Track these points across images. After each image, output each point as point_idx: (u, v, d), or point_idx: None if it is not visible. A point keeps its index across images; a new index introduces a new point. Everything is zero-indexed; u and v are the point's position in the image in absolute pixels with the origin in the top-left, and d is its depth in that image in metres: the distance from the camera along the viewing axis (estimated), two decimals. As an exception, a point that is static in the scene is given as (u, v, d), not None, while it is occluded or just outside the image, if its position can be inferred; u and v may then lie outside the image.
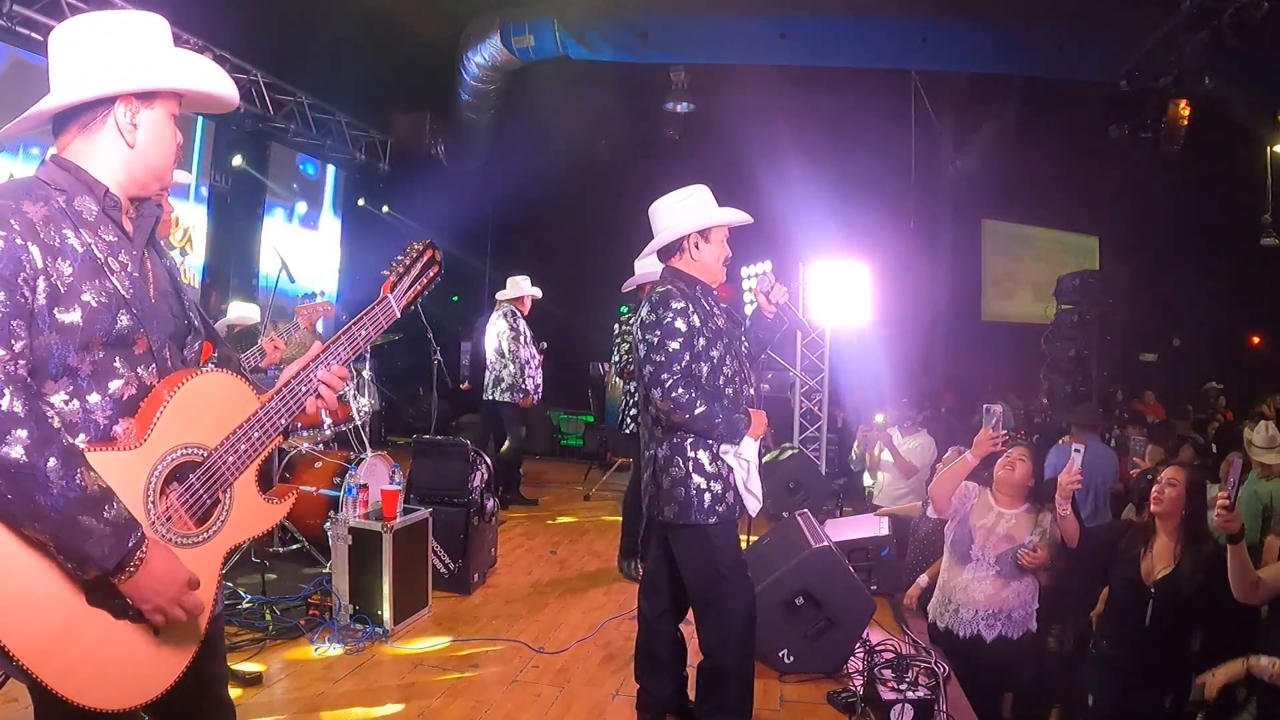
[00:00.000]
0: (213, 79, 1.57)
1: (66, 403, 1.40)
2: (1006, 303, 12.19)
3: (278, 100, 8.21)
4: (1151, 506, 3.21)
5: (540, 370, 6.92)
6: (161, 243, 1.70)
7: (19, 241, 1.32)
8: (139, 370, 1.48)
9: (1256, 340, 12.25)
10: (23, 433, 1.25)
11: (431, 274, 1.87)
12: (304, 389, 1.65)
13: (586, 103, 9.03)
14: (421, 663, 3.64)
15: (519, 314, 6.78)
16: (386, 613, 3.87)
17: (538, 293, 6.94)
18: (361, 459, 4.64)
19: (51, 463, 1.27)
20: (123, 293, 1.44)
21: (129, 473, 1.41)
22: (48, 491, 1.26)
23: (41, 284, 1.34)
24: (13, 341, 1.29)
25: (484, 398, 6.87)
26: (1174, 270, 10.64)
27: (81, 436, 1.40)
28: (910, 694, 3.17)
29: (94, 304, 1.40)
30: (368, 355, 6.32)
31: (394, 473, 4.60)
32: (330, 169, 9.60)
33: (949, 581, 3.52)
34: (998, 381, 9.66)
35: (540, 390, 6.94)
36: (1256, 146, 8.84)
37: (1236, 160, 9.28)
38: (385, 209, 10.55)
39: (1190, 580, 3.03)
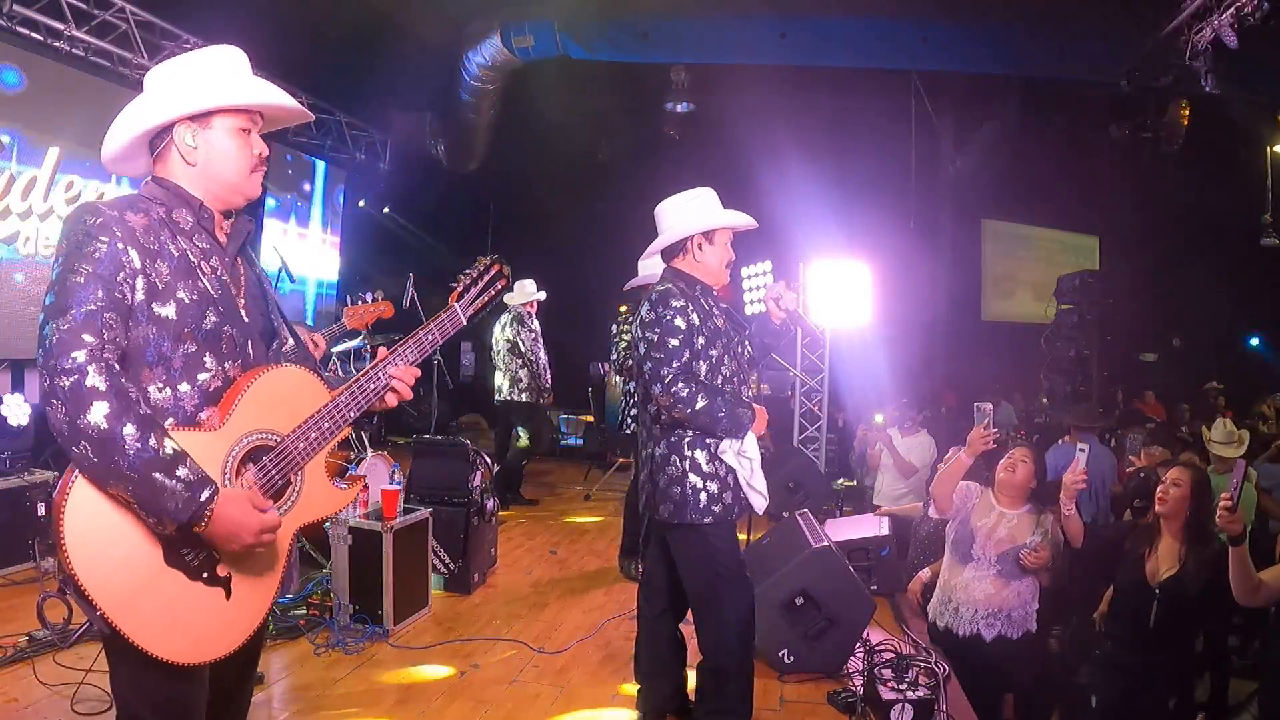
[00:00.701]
0: (260, 94, 1.73)
1: (160, 390, 1.59)
2: (1006, 303, 12.18)
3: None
4: (1156, 507, 3.21)
5: (548, 371, 7.03)
6: (253, 255, 1.88)
7: (119, 245, 1.54)
8: (225, 365, 1.66)
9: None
10: (104, 404, 1.44)
11: (499, 287, 2.05)
12: (373, 386, 1.81)
13: (586, 103, 9.02)
14: (421, 662, 3.64)
15: (531, 315, 6.90)
16: (387, 612, 3.87)
17: (542, 296, 7.01)
18: (361, 459, 4.64)
19: (129, 429, 1.45)
20: (212, 293, 1.65)
21: (209, 452, 1.58)
22: (125, 454, 1.44)
23: (140, 282, 1.56)
24: (104, 330, 1.49)
25: (497, 399, 6.96)
26: (1174, 270, 10.63)
27: (170, 421, 1.58)
28: (910, 694, 3.17)
29: (186, 301, 1.60)
30: (368, 356, 6.33)
31: (394, 473, 4.60)
32: (320, 165, 9.51)
33: (949, 581, 3.52)
34: (997, 381, 9.65)
35: (548, 392, 7.06)
36: (1256, 146, 8.83)
37: (1236, 160, 9.27)
38: (386, 210, 10.55)
39: (1195, 581, 3.02)
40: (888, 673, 3.35)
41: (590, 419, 10.04)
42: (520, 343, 6.80)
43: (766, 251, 7.10)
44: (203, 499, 1.50)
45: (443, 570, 4.54)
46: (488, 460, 5.06)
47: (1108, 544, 3.39)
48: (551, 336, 7.61)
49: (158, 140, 1.70)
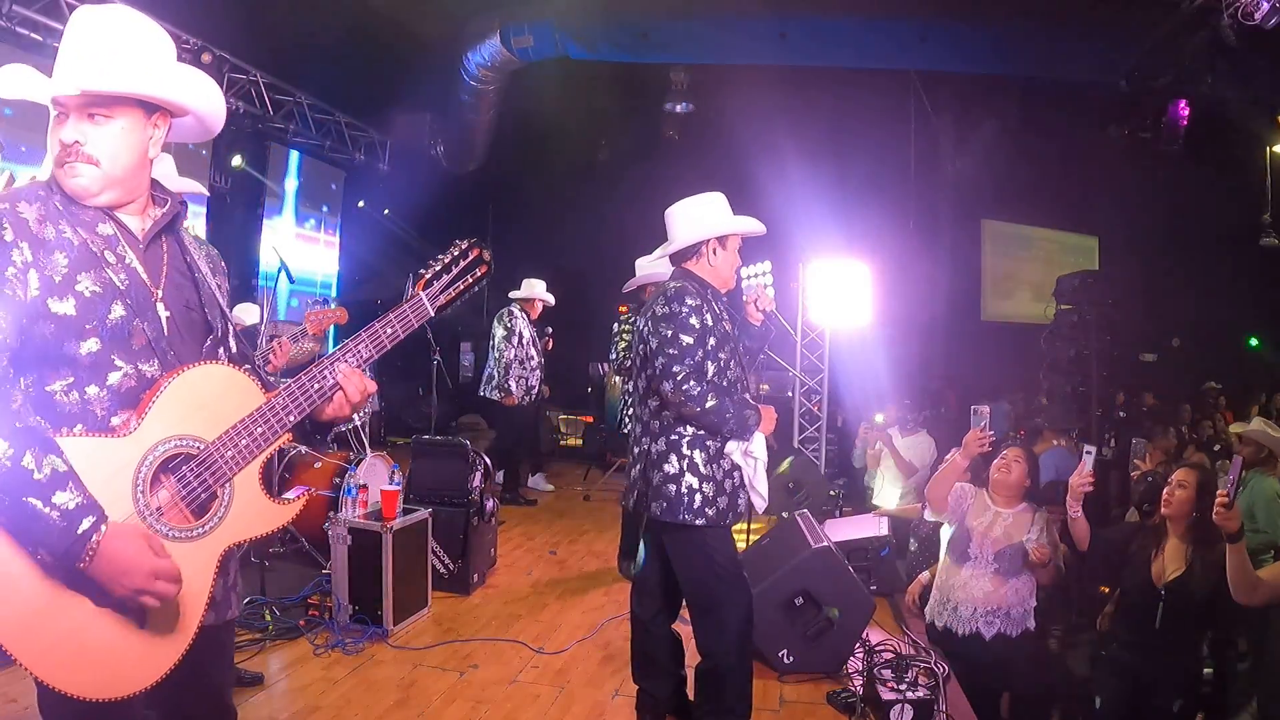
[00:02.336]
0: (171, 88, 1.50)
1: (66, 393, 1.43)
2: (1006, 303, 12.17)
3: (277, 100, 8.21)
4: (1162, 509, 3.21)
5: (537, 372, 6.92)
6: (188, 238, 1.68)
7: (9, 238, 1.38)
8: (139, 364, 1.49)
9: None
10: None
11: (477, 274, 1.77)
12: (316, 386, 1.58)
13: (586, 103, 9.02)
14: (421, 663, 3.64)
15: (521, 315, 6.84)
16: (386, 613, 3.87)
17: (550, 299, 7.01)
18: (361, 459, 4.64)
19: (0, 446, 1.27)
20: (117, 284, 1.47)
21: (117, 459, 1.40)
22: None
23: (33, 277, 1.39)
24: None
25: (481, 393, 6.99)
26: (1174, 270, 10.62)
27: (80, 427, 1.42)
28: (910, 694, 3.17)
29: (87, 294, 1.43)
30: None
31: (393, 473, 4.60)
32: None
33: (947, 581, 3.52)
34: (997, 381, 9.65)
35: (534, 392, 6.94)
36: (1256, 146, 8.83)
37: (1236, 160, 9.27)
38: (385, 211, 10.54)
39: (1202, 582, 3.01)
40: (887, 673, 3.35)
41: (590, 419, 10.04)
42: (492, 337, 6.80)
43: (766, 251, 7.09)
44: (80, 531, 1.30)
45: (443, 570, 4.54)
46: (487, 461, 5.06)
47: (1111, 545, 3.39)
48: (551, 336, 7.60)
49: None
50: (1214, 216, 9.93)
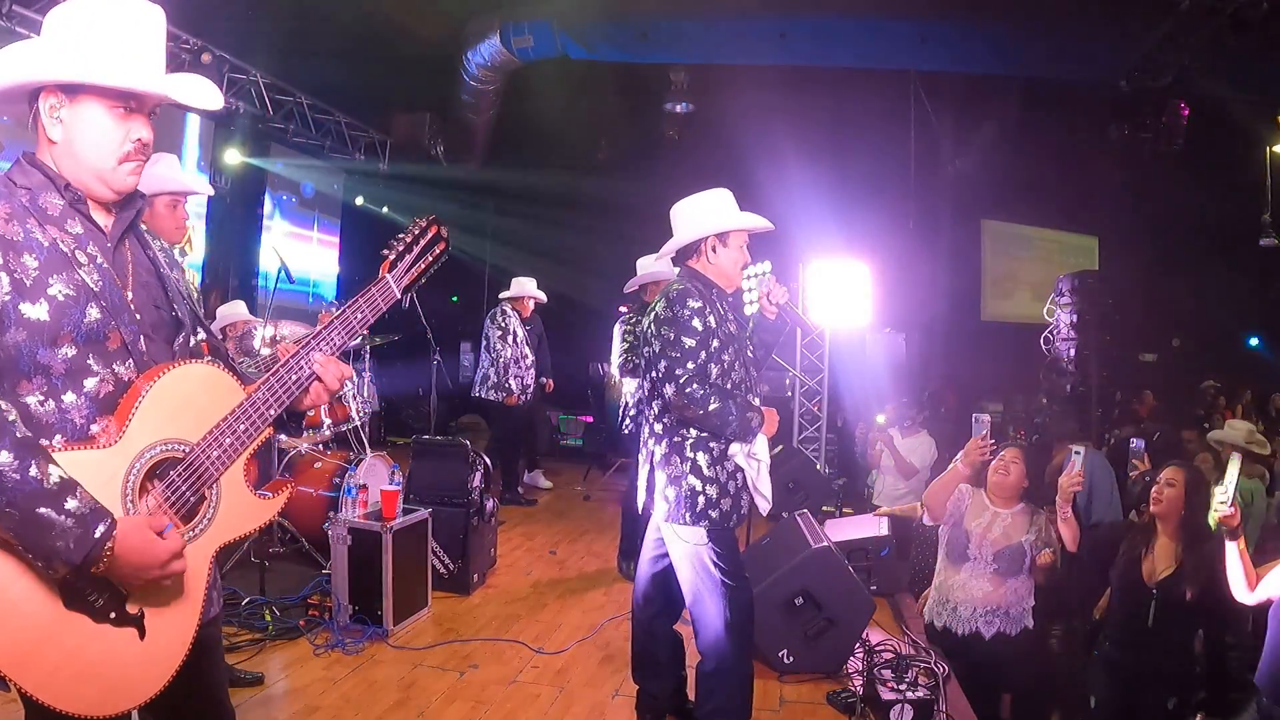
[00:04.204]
0: (145, 79, 1.43)
1: (41, 403, 1.38)
2: (1006, 303, 12.17)
3: (277, 100, 8.21)
4: (1151, 507, 3.21)
5: (531, 370, 6.90)
6: (148, 235, 1.64)
7: None
8: (115, 367, 1.44)
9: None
10: None
11: (436, 252, 1.75)
12: (294, 377, 1.56)
13: (586, 103, 9.02)
14: (421, 663, 3.64)
15: (513, 313, 6.82)
16: (386, 613, 3.87)
17: (541, 296, 6.97)
18: (361, 459, 4.64)
19: (3, 456, 1.23)
20: (91, 285, 1.41)
21: (104, 471, 1.37)
22: (2, 486, 1.23)
23: (4, 279, 1.33)
24: None
25: (471, 394, 6.94)
26: (1174, 270, 10.62)
27: (58, 437, 1.38)
28: (910, 694, 3.18)
29: (61, 297, 1.37)
30: (366, 355, 6.33)
31: (393, 473, 4.60)
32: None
33: (945, 582, 3.52)
34: (997, 381, 9.66)
35: (529, 390, 6.91)
36: (1256, 146, 8.83)
37: (1236, 160, 9.27)
38: (384, 210, 10.55)
39: (1193, 580, 3.03)
40: (887, 673, 3.35)
41: (590, 419, 10.04)
42: (488, 338, 6.77)
43: (766, 251, 7.06)
44: (97, 535, 1.28)
45: (443, 570, 4.54)
46: (487, 461, 5.06)
47: (1101, 545, 3.40)
48: (551, 337, 7.60)
49: (23, 104, 1.44)
50: (1214, 216, 9.93)
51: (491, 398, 6.76)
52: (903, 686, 3.25)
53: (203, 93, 1.52)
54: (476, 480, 4.74)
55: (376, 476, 4.54)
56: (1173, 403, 8.73)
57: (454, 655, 3.76)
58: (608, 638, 4.05)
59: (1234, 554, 2.77)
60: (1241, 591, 2.79)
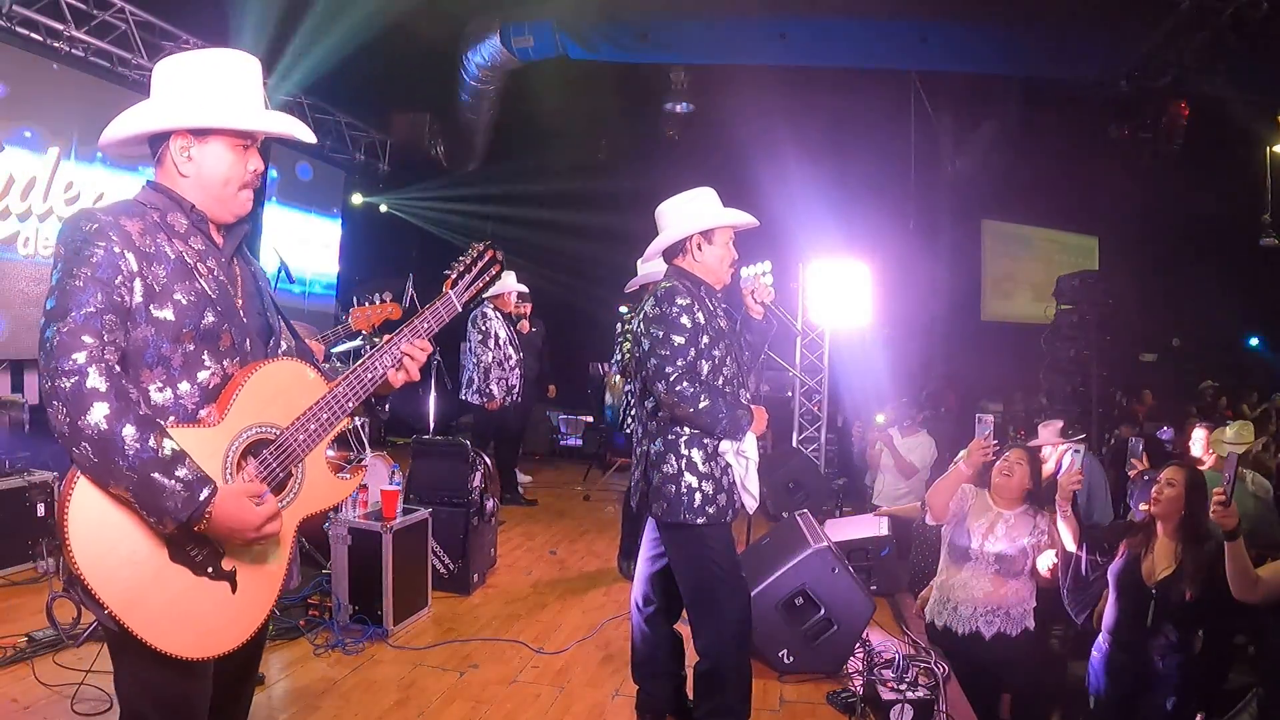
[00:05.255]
0: (263, 121, 1.72)
1: (160, 390, 1.62)
2: (1006, 303, 12.17)
3: (277, 100, 8.20)
4: (1151, 507, 3.21)
5: (517, 370, 6.78)
6: (249, 254, 1.90)
7: (116, 250, 1.56)
8: (224, 363, 1.69)
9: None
10: (104, 405, 1.47)
11: (493, 273, 2.06)
12: (370, 376, 1.82)
13: (586, 103, 9.03)
14: (421, 663, 3.64)
15: (494, 314, 6.67)
16: (386, 613, 3.87)
17: (522, 288, 6.84)
18: (361, 459, 4.64)
19: (128, 430, 1.47)
20: (209, 293, 1.67)
21: (208, 447, 1.59)
22: (124, 454, 1.46)
23: (138, 285, 1.58)
24: (104, 332, 1.52)
25: (461, 396, 6.85)
26: (1174, 270, 10.62)
27: (171, 419, 1.60)
28: (910, 694, 3.18)
29: (184, 302, 1.63)
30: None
31: (394, 473, 4.60)
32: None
33: (947, 581, 3.52)
34: (997, 381, 9.65)
35: (516, 392, 6.80)
36: (1256, 146, 8.84)
37: (1236, 160, 9.27)
38: (384, 209, 10.56)
39: (1192, 580, 3.02)
40: (887, 673, 3.35)
41: (590, 419, 10.04)
42: (469, 339, 6.69)
43: (766, 251, 7.09)
44: (201, 499, 1.51)
45: (443, 570, 4.54)
46: (488, 461, 5.06)
47: (1101, 544, 3.39)
48: (551, 337, 7.60)
49: (156, 143, 1.71)
50: (1214, 216, 9.93)
51: (474, 401, 6.68)
52: (903, 686, 3.25)
53: (300, 129, 1.80)
54: (476, 480, 4.74)
55: (377, 476, 4.54)
56: (1174, 402, 8.74)
57: (454, 655, 3.76)
58: (608, 638, 4.05)
59: (1233, 554, 2.77)
60: (1241, 591, 2.80)
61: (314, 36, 7.35)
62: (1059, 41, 7.64)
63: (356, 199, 10.30)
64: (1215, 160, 9.33)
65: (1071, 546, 3.33)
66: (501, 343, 6.68)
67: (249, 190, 1.76)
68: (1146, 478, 4.02)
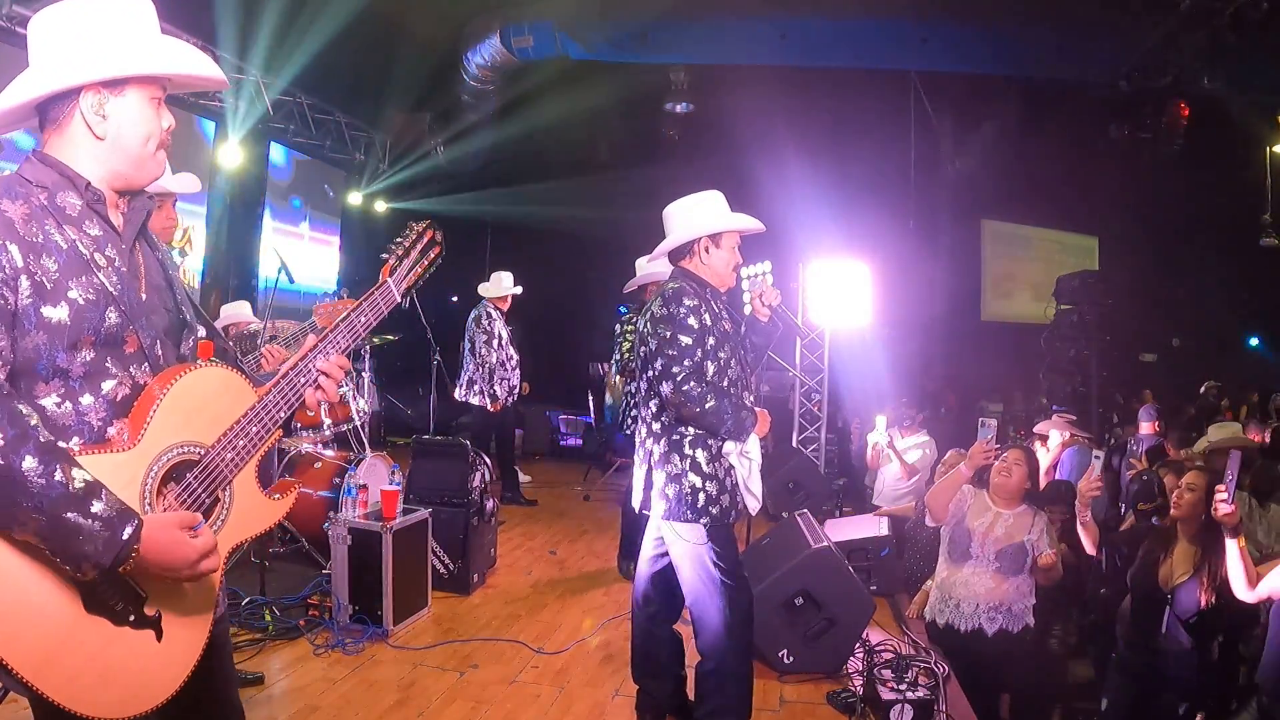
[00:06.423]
0: (184, 61, 1.47)
1: (59, 405, 1.37)
2: (1006, 303, 12.18)
3: (277, 100, 8.21)
4: (1172, 511, 3.20)
5: (516, 371, 6.78)
6: (155, 237, 1.66)
7: None
8: (131, 370, 1.44)
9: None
10: None
11: (432, 255, 1.81)
12: (303, 380, 1.58)
13: (586, 103, 9.03)
14: (421, 663, 3.64)
15: (496, 314, 6.67)
16: (386, 613, 3.87)
17: (518, 290, 6.84)
18: (361, 459, 4.64)
19: (28, 462, 1.22)
20: (110, 289, 1.41)
21: (123, 474, 1.37)
22: (27, 492, 1.21)
23: (24, 282, 1.32)
24: None
25: (457, 395, 6.78)
26: (1174, 270, 10.64)
27: (75, 440, 1.37)
28: (910, 694, 3.17)
29: (81, 301, 1.37)
30: (366, 355, 6.32)
31: (394, 473, 4.60)
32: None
33: (947, 580, 3.52)
34: (997, 381, 9.66)
35: (515, 392, 6.80)
36: (1256, 146, 8.84)
37: (1236, 160, 9.28)
38: (383, 208, 10.55)
39: (1208, 586, 3.01)
40: (887, 673, 3.35)
41: (590, 419, 10.04)
42: (473, 341, 6.62)
43: (766, 252, 7.08)
44: (125, 537, 1.28)
45: (443, 570, 4.54)
46: (488, 461, 5.05)
47: (1120, 548, 3.39)
48: (551, 337, 7.59)
49: (54, 106, 1.42)
50: (1214, 216, 9.95)
51: (476, 402, 6.63)
52: (903, 686, 3.25)
53: (217, 72, 1.55)
54: (476, 480, 4.74)
55: (376, 476, 4.54)
56: (1175, 402, 8.74)
57: (454, 655, 3.76)
58: (608, 637, 4.05)
59: (1234, 551, 2.77)
60: (1241, 589, 2.79)
61: (314, 36, 7.35)
62: (1059, 42, 7.64)
63: (356, 199, 10.30)
64: (1215, 160, 9.33)
65: (1091, 551, 3.34)
66: (504, 343, 6.70)
67: (163, 152, 1.50)
68: (1145, 477, 4.03)
